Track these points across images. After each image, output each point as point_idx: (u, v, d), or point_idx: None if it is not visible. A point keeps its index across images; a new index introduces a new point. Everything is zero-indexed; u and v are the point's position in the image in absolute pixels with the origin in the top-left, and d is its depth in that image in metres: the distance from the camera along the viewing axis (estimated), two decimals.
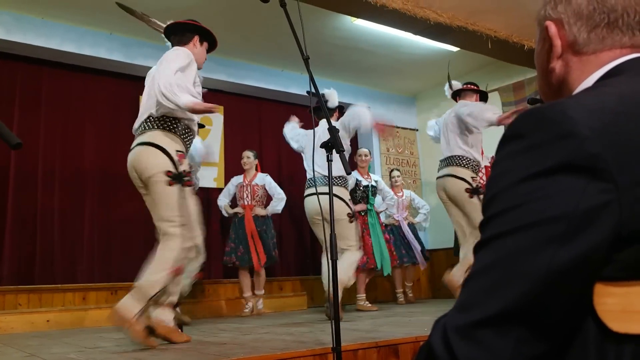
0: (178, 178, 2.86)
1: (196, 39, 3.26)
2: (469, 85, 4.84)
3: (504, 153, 0.72)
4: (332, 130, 1.99)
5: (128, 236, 5.49)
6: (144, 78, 5.53)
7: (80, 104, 5.68)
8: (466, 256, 4.24)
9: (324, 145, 2.01)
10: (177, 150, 2.93)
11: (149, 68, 3.55)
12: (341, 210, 4.22)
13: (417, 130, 7.92)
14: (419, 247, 6.14)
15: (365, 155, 5.90)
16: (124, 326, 2.67)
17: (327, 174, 2.07)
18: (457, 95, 4.88)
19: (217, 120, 6.36)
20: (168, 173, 2.84)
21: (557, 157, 0.64)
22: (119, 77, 5.88)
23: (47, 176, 5.35)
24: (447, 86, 4.94)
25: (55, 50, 5.30)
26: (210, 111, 2.83)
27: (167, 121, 2.96)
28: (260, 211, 5.49)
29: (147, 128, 2.96)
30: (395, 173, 6.59)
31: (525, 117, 0.71)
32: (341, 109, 4.74)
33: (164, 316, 2.87)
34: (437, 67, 6.88)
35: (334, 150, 2.00)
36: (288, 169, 6.78)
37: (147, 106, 3.05)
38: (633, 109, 0.68)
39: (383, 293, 6.87)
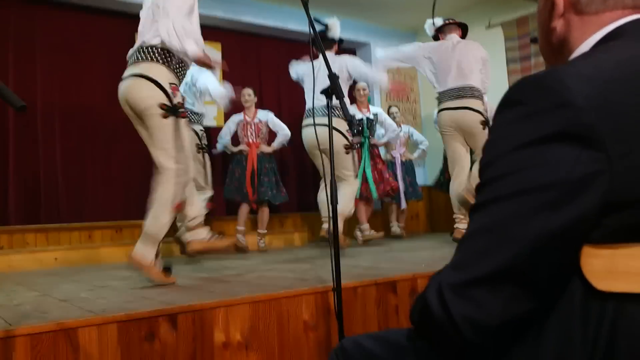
0: (172, 111, 2.88)
1: None
2: (451, 20, 4.77)
3: (502, 118, 0.74)
4: (332, 77, 1.99)
5: (130, 175, 5.54)
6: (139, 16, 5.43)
7: (77, 44, 5.59)
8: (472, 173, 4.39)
9: (324, 91, 2.01)
10: (171, 83, 2.92)
11: None
12: (339, 141, 4.30)
13: None
14: (402, 188, 6.21)
15: (364, 90, 5.89)
16: (143, 271, 2.82)
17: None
18: (439, 31, 4.80)
19: (214, 58, 6.26)
20: (162, 106, 2.85)
21: (553, 126, 0.66)
22: (116, 15, 5.76)
23: (47, 117, 5.34)
24: (429, 23, 4.82)
25: None
26: (211, 67, 2.85)
27: (162, 53, 2.92)
28: (265, 148, 5.48)
29: (140, 59, 2.93)
30: (394, 109, 6.57)
31: (525, 84, 0.73)
32: (340, 41, 4.71)
33: (198, 235, 2.92)
34: (439, 1, 6.72)
35: (334, 96, 2.00)
36: (288, 105, 6.75)
37: (141, 34, 2.99)
38: (629, 76, 0.69)
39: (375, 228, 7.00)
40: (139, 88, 2.88)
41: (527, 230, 0.66)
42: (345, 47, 7.56)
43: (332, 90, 1.99)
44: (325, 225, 4.39)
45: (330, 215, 2.16)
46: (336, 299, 1.99)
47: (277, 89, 6.77)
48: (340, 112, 4.40)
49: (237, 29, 6.53)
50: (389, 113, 6.45)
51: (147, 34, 2.96)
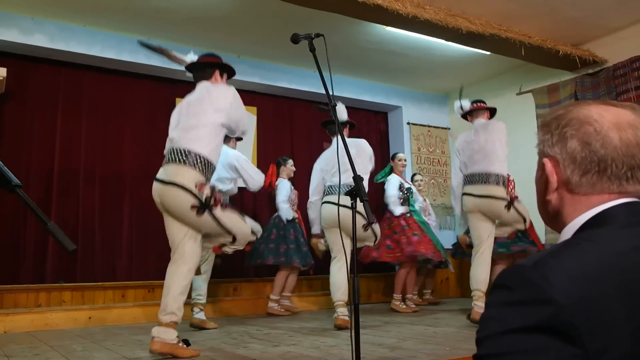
0: (204, 207, 3.06)
1: (217, 73, 3.45)
2: (479, 104, 4.71)
3: (494, 299, 0.82)
4: (357, 179, 2.10)
5: (164, 236, 5.69)
6: (180, 81, 5.72)
7: (120, 107, 5.90)
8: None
9: (348, 193, 2.11)
10: (196, 183, 3.09)
11: (185, 71, 3.69)
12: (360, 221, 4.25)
13: (448, 128, 7.91)
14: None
15: (405, 160, 6.08)
16: (173, 354, 2.98)
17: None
18: (467, 114, 4.77)
19: (250, 121, 6.51)
20: (193, 206, 3.04)
21: (537, 319, 0.74)
22: (156, 80, 6.07)
23: (88, 177, 5.60)
24: (457, 106, 4.80)
25: (96, 57, 5.51)
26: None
27: (189, 155, 3.14)
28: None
29: (170, 160, 3.19)
30: (418, 177, 6.55)
31: (515, 273, 0.81)
32: (352, 125, 4.72)
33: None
34: (470, 67, 6.85)
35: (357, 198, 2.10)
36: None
37: (179, 136, 3.23)
38: (608, 275, 0.77)
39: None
40: (170, 196, 3.14)
41: None
42: (377, 110, 7.78)
43: (356, 192, 2.09)
44: (340, 312, 4.30)
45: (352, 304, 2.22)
46: None
47: (309, 151, 6.94)
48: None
49: (272, 93, 6.80)
50: (413, 181, 6.44)
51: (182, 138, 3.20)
